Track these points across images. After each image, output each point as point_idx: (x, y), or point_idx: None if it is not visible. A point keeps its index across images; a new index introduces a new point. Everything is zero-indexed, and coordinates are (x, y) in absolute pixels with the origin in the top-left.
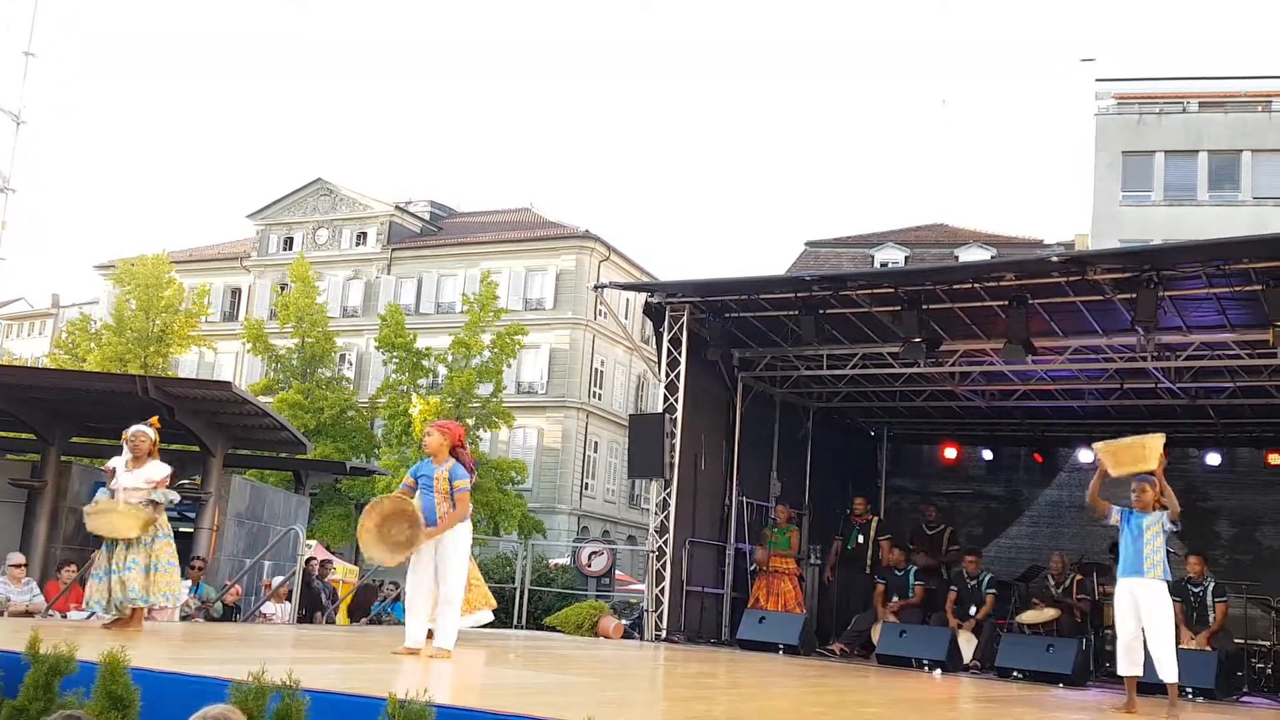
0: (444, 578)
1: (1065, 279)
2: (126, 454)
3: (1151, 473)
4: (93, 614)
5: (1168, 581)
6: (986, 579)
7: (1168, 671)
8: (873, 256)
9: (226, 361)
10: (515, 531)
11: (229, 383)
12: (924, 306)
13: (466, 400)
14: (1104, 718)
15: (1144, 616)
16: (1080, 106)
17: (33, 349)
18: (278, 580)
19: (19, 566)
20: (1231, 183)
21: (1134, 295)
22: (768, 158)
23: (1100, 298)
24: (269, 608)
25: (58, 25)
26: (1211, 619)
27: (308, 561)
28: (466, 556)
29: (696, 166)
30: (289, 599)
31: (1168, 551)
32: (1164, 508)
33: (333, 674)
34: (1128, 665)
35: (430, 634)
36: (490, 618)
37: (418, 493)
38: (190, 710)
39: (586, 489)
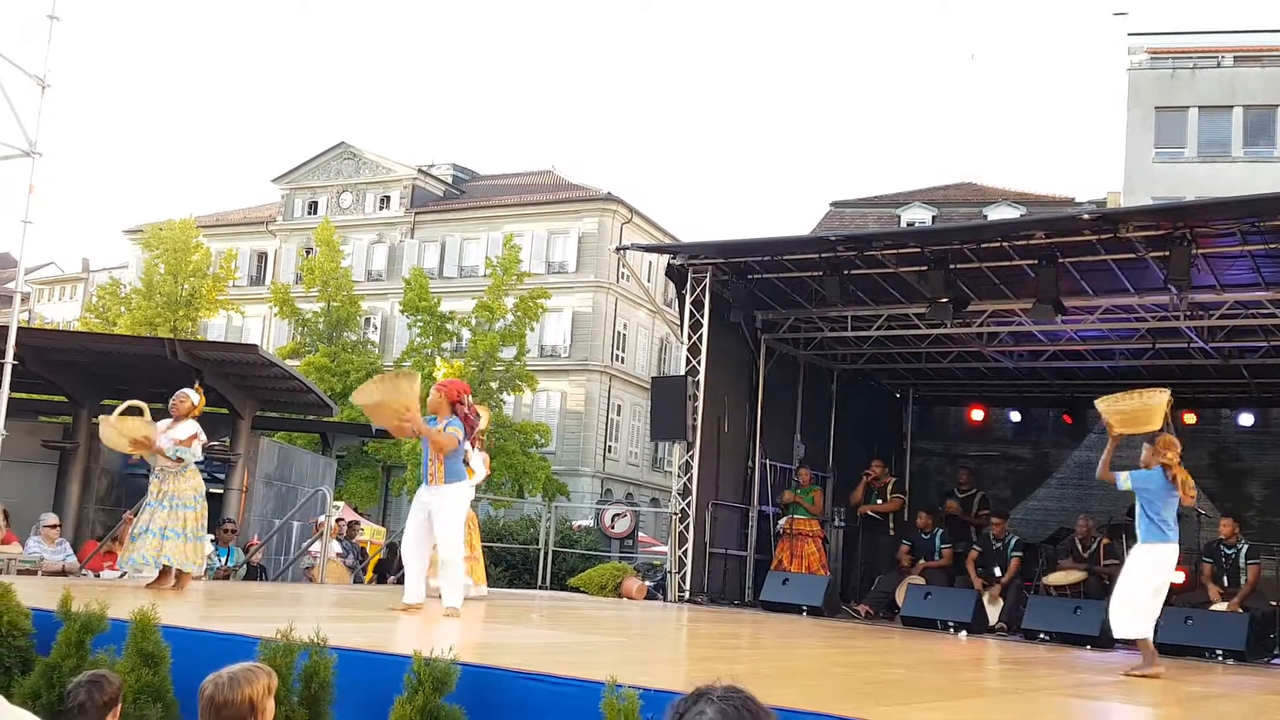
0: (439, 537)
1: (1096, 237)
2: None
3: (1157, 431)
4: (124, 574)
5: (1160, 543)
6: (1013, 541)
7: (1118, 625)
8: (899, 216)
9: (254, 325)
10: (539, 494)
11: (256, 346)
12: (951, 266)
13: (490, 363)
14: (1116, 679)
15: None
16: (1112, 61)
17: (64, 313)
18: (335, 547)
19: (53, 527)
20: (1267, 138)
21: (1166, 253)
22: (792, 117)
23: (1132, 256)
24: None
25: None
26: (1243, 581)
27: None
28: (461, 518)
29: (720, 127)
30: (345, 555)
31: (1198, 513)
32: (1164, 465)
33: (360, 632)
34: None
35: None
36: (481, 593)
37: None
38: (220, 668)
39: (610, 452)
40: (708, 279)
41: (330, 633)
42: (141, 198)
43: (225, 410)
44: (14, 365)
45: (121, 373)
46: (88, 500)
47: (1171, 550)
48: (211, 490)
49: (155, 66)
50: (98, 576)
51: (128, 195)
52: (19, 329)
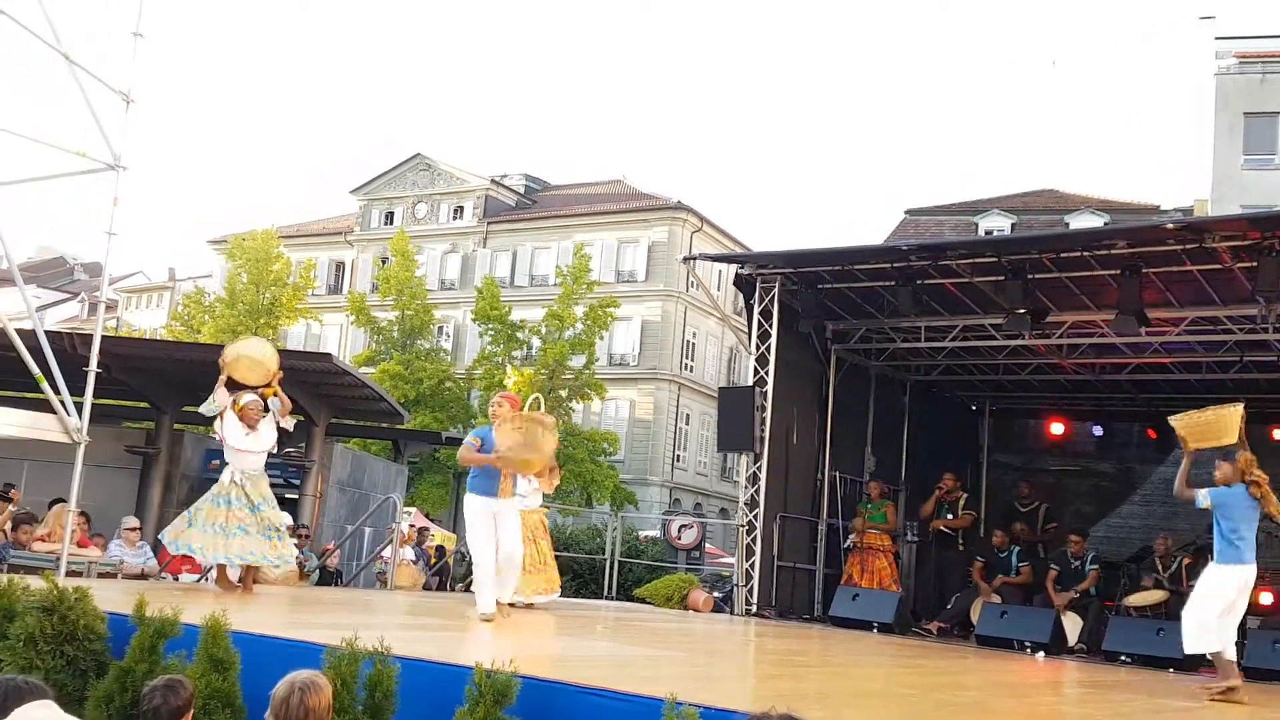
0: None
1: (1181, 247)
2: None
3: (1234, 446)
4: (202, 578)
5: (1236, 564)
6: (1090, 556)
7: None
8: (976, 224)
9: (331, 333)
10: (607, 503)
11: (330, 354)
12: (1030, 276)
13: (559, 372)
14: (1201, 705)
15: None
16: (1199, 66)
17: (151, 321)
18: (407, 553)
19: (134, 530)
20: None
21: (1255, 264)
22: (867, 123)
23: (1219, 266)
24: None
25: (165, 6)
26: None
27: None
28: (472, 525)
29: (792, 134)
30: (416, 561)
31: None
32: (1246, 482)
33: (425, 641)
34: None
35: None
36: (552, 598)
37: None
38: (286, 674)
39: (678, 461)
40: (776, 288)
41: (395, 641)
42: (226, 209)
43: (301, 417)
44: (98, 373)
45: (202, 380)
46: (168, 504)
47: (1247, 571)
48: (286, 495)
49: (238, 82)
50: (176, 580)
51: (213, 206)
52: (104, 337)
